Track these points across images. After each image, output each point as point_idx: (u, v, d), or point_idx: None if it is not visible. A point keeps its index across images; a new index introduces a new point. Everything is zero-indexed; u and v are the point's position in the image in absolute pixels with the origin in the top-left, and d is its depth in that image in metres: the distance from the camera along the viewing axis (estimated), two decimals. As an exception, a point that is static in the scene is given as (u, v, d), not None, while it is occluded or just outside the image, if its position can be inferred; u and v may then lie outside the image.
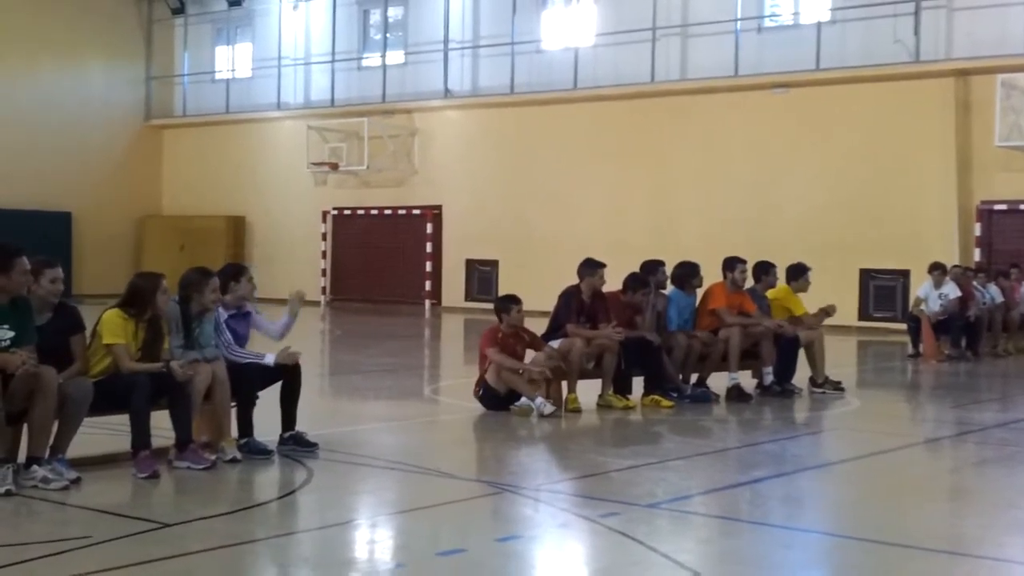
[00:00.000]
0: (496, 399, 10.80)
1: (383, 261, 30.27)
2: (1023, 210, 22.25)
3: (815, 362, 12.90)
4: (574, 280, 11.54)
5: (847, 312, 21.52)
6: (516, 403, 10.64)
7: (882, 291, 23.56)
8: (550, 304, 11.65)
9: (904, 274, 22.93)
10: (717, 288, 12.45)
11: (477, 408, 10.97)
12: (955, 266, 18.73)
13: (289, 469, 8.12)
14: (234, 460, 8.09)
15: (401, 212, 29.93)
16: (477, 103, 28.90)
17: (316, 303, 30.18)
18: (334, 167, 30.15)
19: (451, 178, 29.02)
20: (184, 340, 8.28)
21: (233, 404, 8.38)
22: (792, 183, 24.22)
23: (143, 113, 34.25)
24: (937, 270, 17.57)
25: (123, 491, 7.41)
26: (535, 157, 27.56)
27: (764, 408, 11.79)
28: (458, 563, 5.87)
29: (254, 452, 8.31)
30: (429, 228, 29.11)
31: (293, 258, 31.05)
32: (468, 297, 28.74)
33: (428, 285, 29.12)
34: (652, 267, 12.24)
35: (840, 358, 16.16)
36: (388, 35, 31.29)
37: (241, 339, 8.77)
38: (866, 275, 23.65)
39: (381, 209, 30.23)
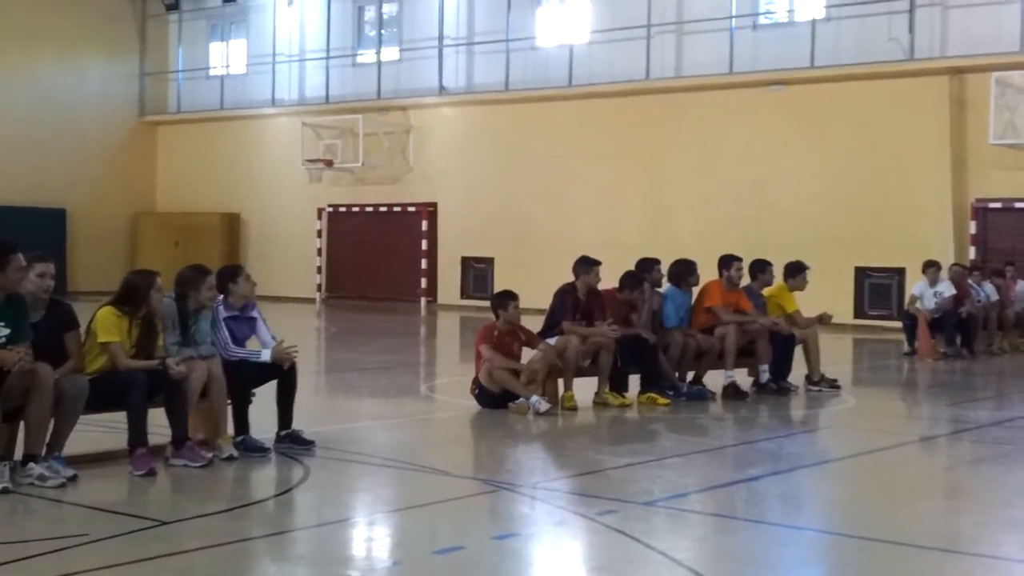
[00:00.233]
0: (492, 397, 10.80)
1: (378, 258, 30.24)
2: (1018, 208, 22.26)
3: (811, 360, 12.92)
4: (570, 277, 11.55)
5: (842, 310, 21.53)
6: (516, 400, 10.63)
7: (877, 289, 23.57)
8: (546, 301, 11.65)
9: (899, 272, 22.95)
10: (713, 286, 12.45)
11: (473, 406, 10.97)
12: (954, 264, 18.73)
13: (286, 467, 8.11)
14: (230, 458, 8.09)
15: (396, 209, 29.90)
16: (472, 100, 28.87)
17: (311, 301, 30.20)
18: (329, 164, 30.12)
19: (446, 175, 28.99)
20: (180, 337, 8.28)
21: (228, 402, 8.38)
22: (787, 181, 24.23)
23: (137, 109, 34.16)
24: (932, 268, 17.59)
25: (120, 489, 7.41)
26: (530, 154, 27.55)
27: (760, 406, 11.81)
28: (455, 561, 5.87)
29: (250, 450, 8.31)
30: (424, 225, 29.08)
31: (288, 255, 31.01)
32: (464, 294, 28.71)
33: (423, 282, 29.09)
34: (648, 265, 12.25)
35: (836, 356, 16.17)
36: (383, 31, 31.25)
37: (239, 340, 8.76)
38: (861, 273, 23.66)
39: (376, 206, 30.19)
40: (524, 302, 11.22)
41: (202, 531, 6.32)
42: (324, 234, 30.92)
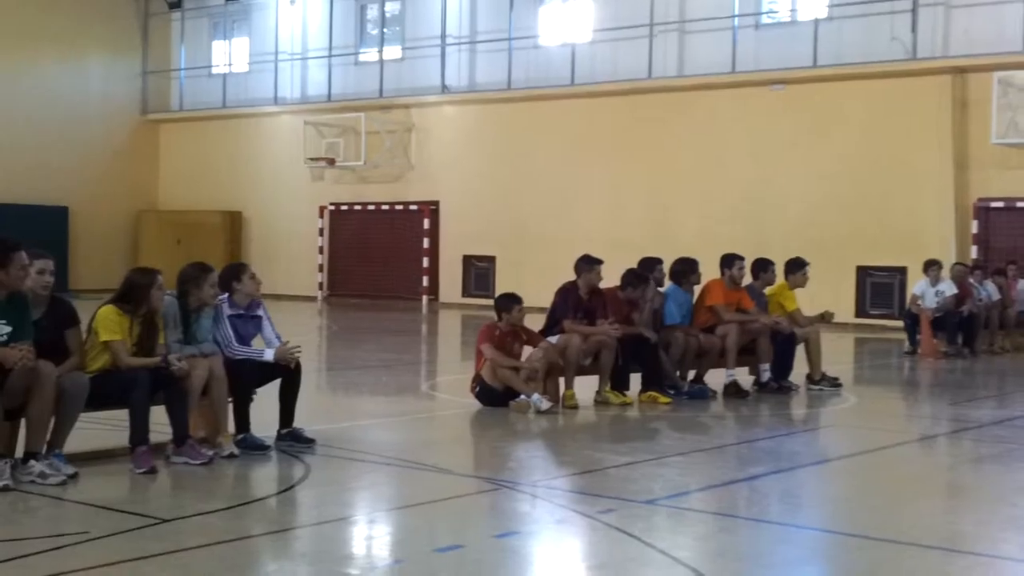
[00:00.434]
0: (493, 395, 10.80)
1: (380, 257, 30.26)
2: (1020, 207, 22.24)
3: (812, 359, 12.92)
4: (571, 276, 11.54)
5: (844, 309, 21.52)
6: (517, 398, 10.64)
7: (879, 288, 23.57)
8: (547, 300, 11.65)
9: (901, 271, 22.94)
10: (715, 285, 12.45)
11: (474, 404, 10.97)
12: (956, 264, 18.73)
13: (286, 465, 8.12)
14: (231, 456, 8.09)
15: (398, 208, 29.91)
16: (474, 99, 28.87)
17: (313, 299, 30.20)
18: (331, 162, 30.12)
19: (448, 174, 28.99)
20: (181, 335, 8.28)
21: (229, 400, 8.38)
22: (789, 180, 24.22)
23: (140, 108, 34.18)
24: (933, 267, 17.59)
25: (120, 486, 7.41)
26: (532, 153, 27.54)
27: (761, 405, 11.81)
28: (456, 559, 5.87)
29: (251, 448, 8.31)
30: (426, 224, 29.08)
31: (290, 253, 31.02)
32: (465, 293, 28.72)
33: (425, 281, 29.09)
34: (650, 264, 12.25)
35: (837, 355, 16.17)
36: (385, 30, 31.25)
37: (244, 339, 8.75)
38: (863, 272, 23.65)
39: (378, 205, 30.20)
40: (525, 301, 11.21)
41: (203, 529, 6.33)
42: (326, 232, 30.93)
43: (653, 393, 11.45)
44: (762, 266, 12.97)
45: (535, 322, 11.60)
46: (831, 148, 23.79)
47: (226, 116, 33.08)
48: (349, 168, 30.13)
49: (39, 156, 30.82)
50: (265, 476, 7.97)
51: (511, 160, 27.93)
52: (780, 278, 13.26)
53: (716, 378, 12.21)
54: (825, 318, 13.27)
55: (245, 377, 8.47)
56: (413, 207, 29.57)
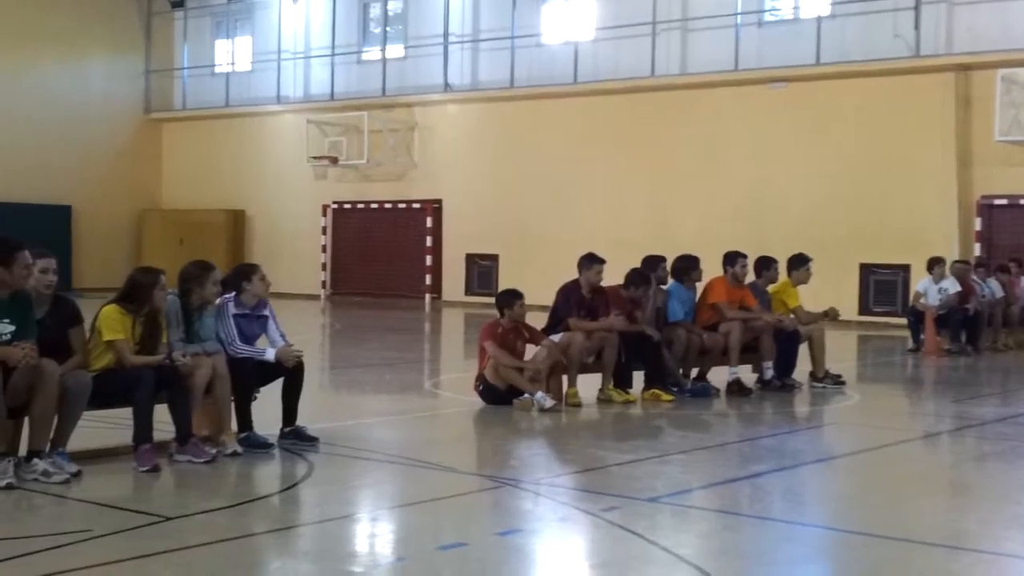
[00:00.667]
0: (496, 394, 10.80)
1: (383, 255, 30.27)
2: (1023, 204, 22.23)
3: (816, 356, 12.91)
4: (574, 274, 11.55)
5: (847, 307, 21.49)
6: (520, 396, 10.63)
7: (882, 285, 23.56)
8: (550, 298, 11.65)
9: (904, 269, 22.92)
10: (717, 282, 12.45)
11: (477, 402, 10.97)
12: (957, 261, 18.72)
13: (289, 463, 8.13)
14: (235, 454, 8.10)
15: (401, 206, 29.92)
16: (477, 97, 28.87)
17: (316, 297, 30.22)
18: (334, 161, 30.12)
19: (451, 172, 29.00)
20: (184, 334, 8.29)
21: (232, 398, 8.38)
22: (792, 178, 24.21)
23: (143, 107, 34.21)
24: (937, 265, 17.57)
25: (124, 485, 7.41)
26: (535, 151, 27.54)
27: (764, 402, 11.80)
28: (459, 557, 5.87)
29: (254, 446, 8.32)
30: (429, 222, 29.09)
31: (293, 252, 31.02)
32: (468, 291, 28.73)
33: (428, 279, 29.11)
34: (653, 262, 12.26)
35: (840, 353, 16.16)
36: (388, 29, 31.26)
37: (248, 338, 8.75)
38: (866, 270, 23.64)
39: (381, 203, 30.22)
40: (528, 299, 11.22)
41: (206, 527, 6.33)
42: (329, 231, 30.96)
43: (656, 391, 11.45)
44: (765, 264, 12.97)
45: (537, 320, 11.60)
46: (834, 146, 23.78)
47: (229, 115, 33.10)
48: (352, 167, 30.14)
49: (42, 156, 30.85)
50: (268, 474, 7.98)
51: (514, 158, 27.93)
52: (783, 276, 13.25)
53: (719, 376, 12.21)
54: (830, 315, 13.26)
55: (246, 376, 8.47)
56: (416, 206, 29.58)
